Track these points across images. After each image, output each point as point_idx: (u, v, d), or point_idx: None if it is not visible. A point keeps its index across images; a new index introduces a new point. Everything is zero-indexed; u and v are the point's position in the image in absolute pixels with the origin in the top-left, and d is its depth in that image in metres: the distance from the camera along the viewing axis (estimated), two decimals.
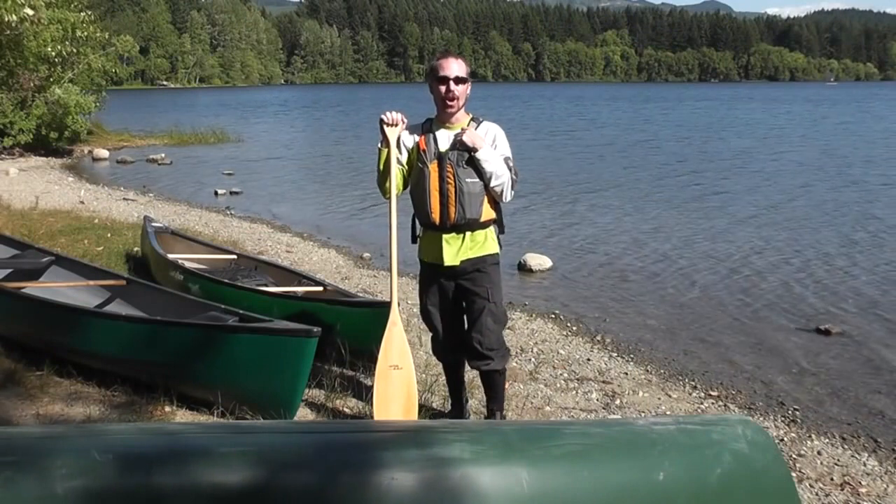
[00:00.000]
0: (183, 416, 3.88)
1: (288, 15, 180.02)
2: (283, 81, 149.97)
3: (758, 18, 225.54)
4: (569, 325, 6.35)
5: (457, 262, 3.47)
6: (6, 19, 12.24)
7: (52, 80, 19.19)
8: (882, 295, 7.29)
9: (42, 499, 1.44)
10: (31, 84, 18.70)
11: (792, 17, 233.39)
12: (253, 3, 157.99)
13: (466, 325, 3.64)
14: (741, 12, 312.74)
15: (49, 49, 17.64)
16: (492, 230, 3.54)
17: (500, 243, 3.60)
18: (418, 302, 3.81)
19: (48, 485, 1.45)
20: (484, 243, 3.50)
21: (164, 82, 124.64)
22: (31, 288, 5.17)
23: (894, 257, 8.82)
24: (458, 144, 3.39)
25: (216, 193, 13.96)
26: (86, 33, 18.97)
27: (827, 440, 4.24)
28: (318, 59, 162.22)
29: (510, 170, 3.44)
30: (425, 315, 3.73)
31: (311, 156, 22.20)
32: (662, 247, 9.43)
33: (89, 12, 19.65)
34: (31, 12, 13.45)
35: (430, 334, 3.79)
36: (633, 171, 17.31)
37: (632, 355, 5.61)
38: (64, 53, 18.43)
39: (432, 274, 3.59)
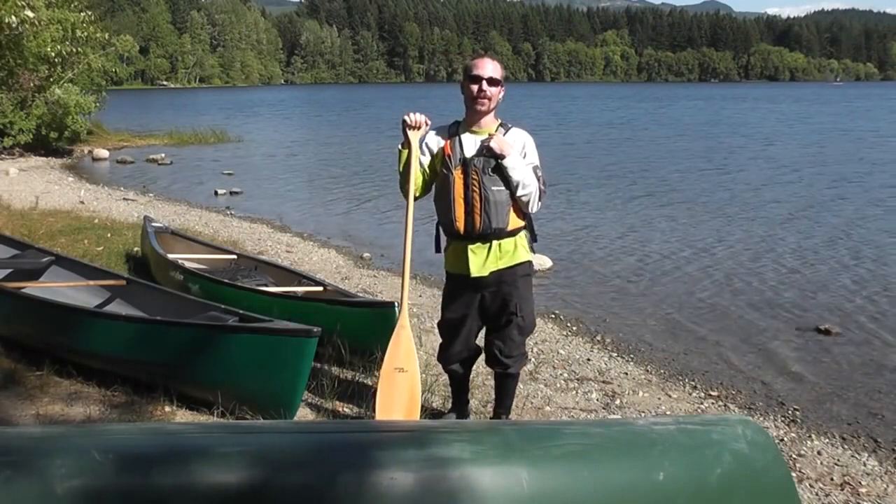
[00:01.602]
0: (183, 416, 3.88)
1: (288, 15, 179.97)
2: (283, 81, 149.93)
3: (758, 18, 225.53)
4: (569, 325, 6.35)
5: (485, 273, 3.32)
6: (6, 21, 12.27)
7: (52, 80, 19.18)
8: (882, 295, 7.28)
9: (42, 499, 1.44)
10: (31, 84, 18.69)
11: (792, 17, 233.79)
12: (253, 3, 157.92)
13: (487, 331, 3.55)
14: (741, 12, 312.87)
15: (49, 49, 17.64)
16: (522, 237, 3.39)
17: (532, 250, 3.46)
18: (440, 311, 3.67)
19: (48, 485, 1.45)
20: (514, 253, 3.35)
21: (164, 82, 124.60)
22: (31, 288, 5.17)
23: (894, 257, 8.82)
24: (485, 150, 3.24)
25: (216, 193, 13.96)
26: (86, 33, 18.97)
27: (827, 440, 4.24)
28: (318, 59, 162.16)
29: (538, 179, 3.29)
30: (444, 325, 3.62)
31: (311, 155, 22.21)
32: (662, 247, 9.43)
33: (89, 12, 19.65)
34: (31, 14, 13.47)
35: (440, 341, 3.71)
36: (633, 170, 17.30)
37: (632, 355, 5.61)
38: (64, 53, 18.43)
39: (458, 285, 3.45)
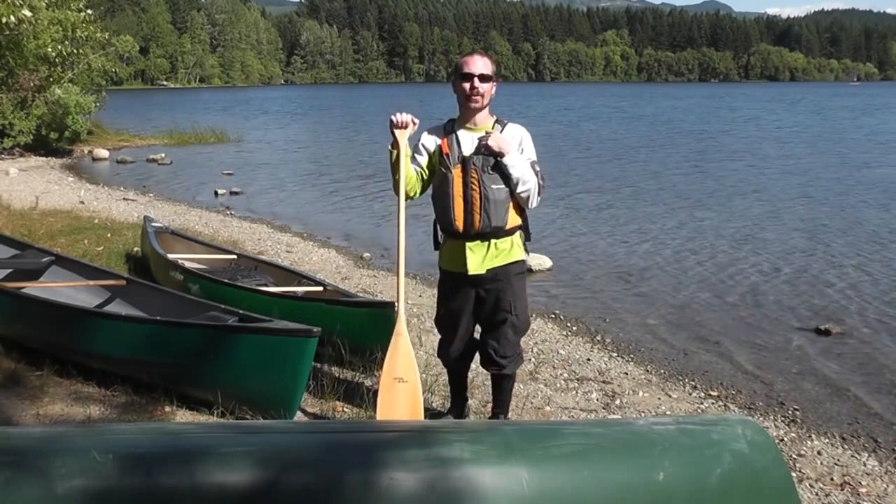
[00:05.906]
0: (183, 416, 3.88)
1: (288, 15, 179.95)
2: (283, 81, 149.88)
3: (758, 18, 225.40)
4: (569, 325, 6.35)
5: (482, 271, 3.33)
6: (4, 21, 12.27)
7: (52, 80, 19.18)
8: (882, 295, 7.28)
9: (42, 499, 1.44)
10: (31, 84, 18.69)
11: (792, 17, 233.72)
12: (253, 3, 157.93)
13: (482, 330, 3.55)
14: (741, 12, 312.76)
15: (49, 49, 17.64)
16: (518, 236, 3.39)
17: (526, 249, 3.47)
18: (436, 309, 3.68)
19: (48, 485, 1.45)
20: (510, 251, 3.35)
21: (164, 82, 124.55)
22: (31, 288, 5.17)
23: (894, 257, 8.82)
24: (484, 149, 3.24)
25: (216, 193, 13.96)
26: (86, 33, 18.97)
27: (827, 440, 4.23)
28: (318, 59, 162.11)
29: (537, 174, 3.30)
30: (441, 322, 3.63)
31: (311, 155, 22.20)
32: (662, 247, 9.43)
33: (89, 12, 19.65)
34: (28, 14, 13.46)
35: (439, 338, 3.72)
36: (632, 170, 17.30)
37: (632, 355, 5.61)
38: (64, 53, 18.42)
39: (454, 283, 3.45)
